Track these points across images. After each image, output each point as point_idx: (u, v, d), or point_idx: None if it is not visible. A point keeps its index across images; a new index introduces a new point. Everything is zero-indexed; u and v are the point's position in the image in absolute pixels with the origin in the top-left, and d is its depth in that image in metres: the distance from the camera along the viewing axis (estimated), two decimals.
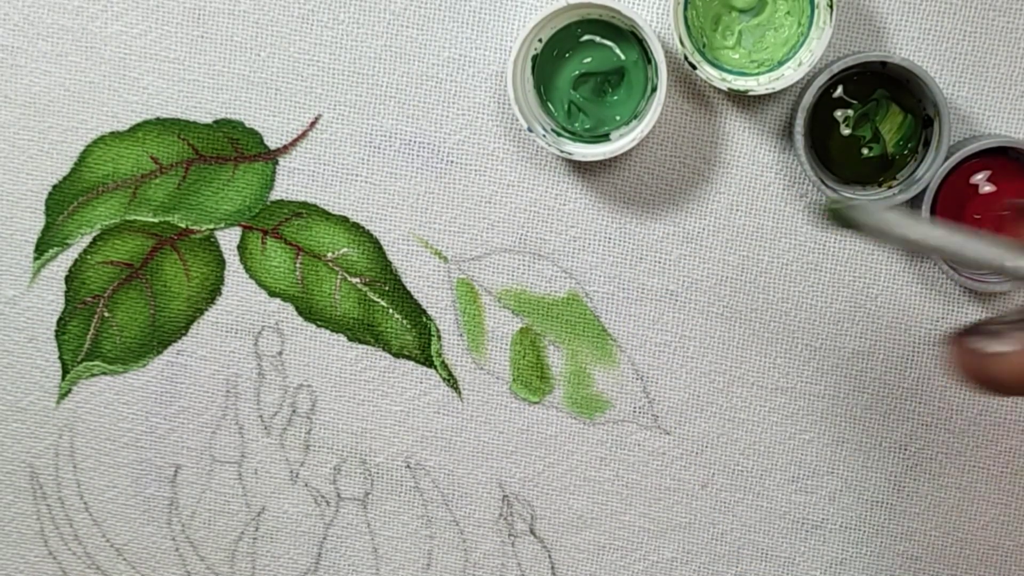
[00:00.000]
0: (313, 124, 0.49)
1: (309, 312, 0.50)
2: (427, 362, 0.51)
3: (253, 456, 0.52)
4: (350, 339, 0.50)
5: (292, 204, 0.50)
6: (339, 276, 0.50)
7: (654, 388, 0.50)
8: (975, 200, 0.47)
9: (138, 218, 0.50)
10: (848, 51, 0.47)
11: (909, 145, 0.47)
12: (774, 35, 0.47)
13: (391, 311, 0.50)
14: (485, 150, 0.49)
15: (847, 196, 0.35)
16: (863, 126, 0.47)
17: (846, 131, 0.47)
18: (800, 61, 0.46)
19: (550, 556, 0.52)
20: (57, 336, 0.51)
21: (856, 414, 0.50)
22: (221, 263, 0.50)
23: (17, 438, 0.52)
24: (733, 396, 0.50)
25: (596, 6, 0.45)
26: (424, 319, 0.50)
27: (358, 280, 0.50)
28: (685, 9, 0.46)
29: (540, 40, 0.47)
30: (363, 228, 0.50)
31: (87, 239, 0.50)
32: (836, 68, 0.45)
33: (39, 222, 0.50)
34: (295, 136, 0.49)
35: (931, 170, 0.46)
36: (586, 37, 0.47)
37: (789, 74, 0.46)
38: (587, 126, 0.48)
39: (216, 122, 0.49)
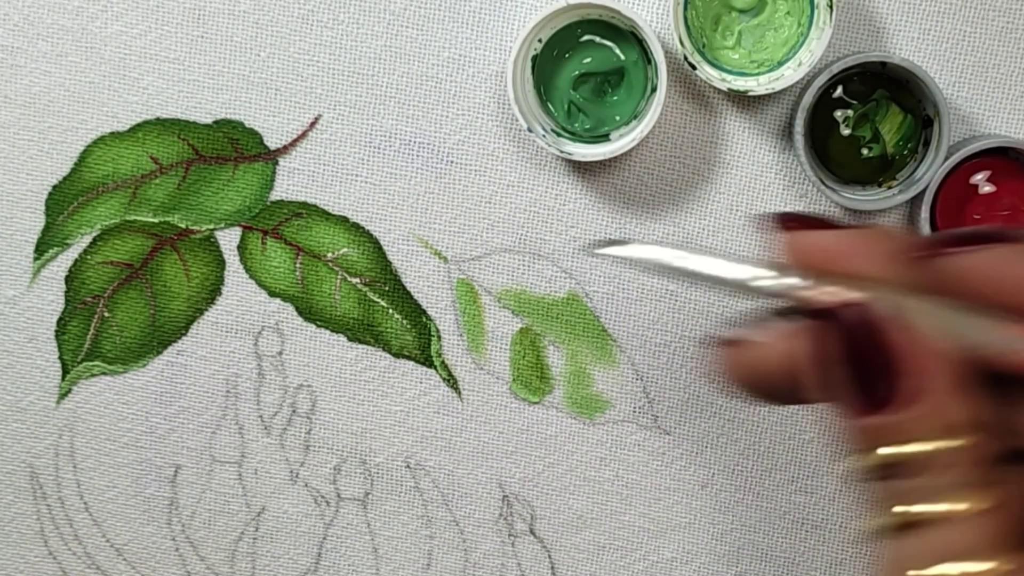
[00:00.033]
0: (313, 124, 0.49)
1: (309, 312, 0.50)
2: (427, 362, 0.51)
3: (253, 456, 0.52)
4: (350, 339, 0.50)
5: (292, 204, 0.50)
6: (339, 276, 0.50)
7: (654, 388, 0.50)
8: (975, 200, 0.47)
9: (138, 218, 0.50)
10: (848, 51, 0.47)
11: (909, 145, 0.47)
12: (774, 35, 0.47)
13: (391, 311, 0.50)
14: (485, 150, 0.49)
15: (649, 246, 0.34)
16: (863, 126, 0.47)
17: (846, 131, 0.47)
18: (800, 61, 0.46)
19: (550, 556, 0.52)
20: (57, 336, 0.51)
21: None
22: (221, 263, 0.50)
23: (17, 438, 0.52)
24: (733, 396, 0.50)
25: (596, 6, 0.45)
26: (424, 319, 0.50)
27: (358, 280, 0.50)
28: (685, 9, 0.46)
29: (540, 40, 0.47)
30: (363, 228, 0.50)
31: (87, 239, 0.50)
32: (836, 68, 0.45)
33: (39, 222, 0.50)
34: (295, 136, 0.49)
35: (931, 170, 0.46)
36: (586, 37, 0.47)
37: (789, 74, 0.46)
38: (587, 126, 0.48)
39: (216, 122, 0.49)
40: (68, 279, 0.51)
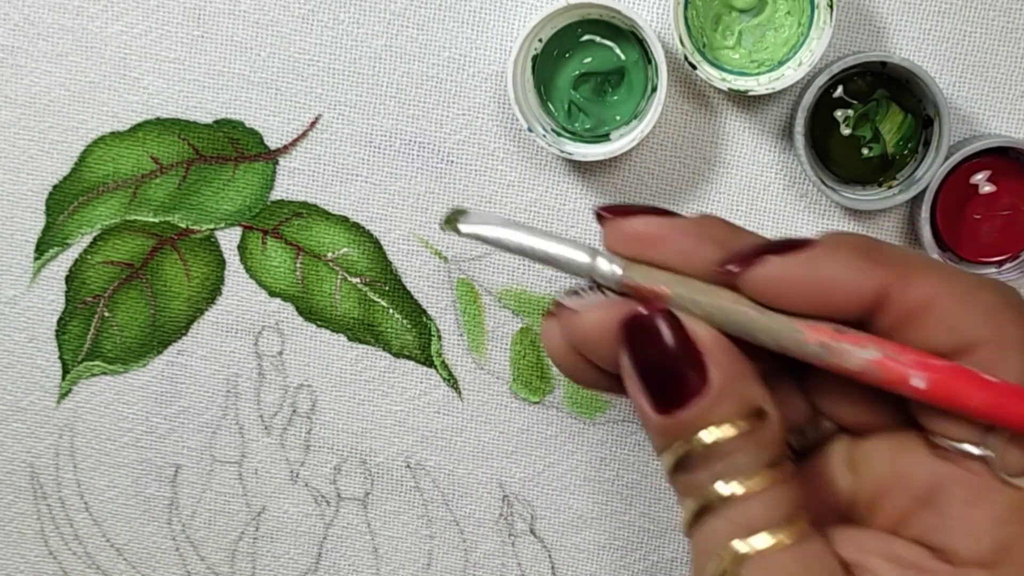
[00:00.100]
0: (313, 124, 0.49)
1: (309, 312, 0.50)
2: (427, 362, 0.51)
3: (253, 456, 0.52)
4: (350, 339, 0.51)
5: (292, 204, 0.50)
6: (339, 276, 0.50)
7: None
8: (975, 200, 0.47)
9: (138, 218, 0.50)
10: (848, 51, 0.47)
11: (909, 145, 0.47)
12: (774, 35, 0.47)
13: (391, 311, 0.50)
14: (485, 150, 0.49)
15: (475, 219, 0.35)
16: (863, 126, 0.47)
17: (846, 131, 0.47)
18: (800, 61, 0.46)
19: (550, 556, 0.52)
20: (57, 336, 0.51)
21: None
22: (221, 263, 0.50)
23: (17, 438, 0.52)
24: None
25: (596, 6, 0.45)
26: (424, 319, 0.50)
27: (358, 280, 0.50)
28: (685, 9, 0.46)
29: (540, 40, 0.47)
30: (363, 228, 0.50)
31: (87, 239, 0.50)
32: (836, 68, 0.45)
33: (39, 222, 0.50)
34: (295, 136, 0.49)
35: (931, 170, 0.46)
36: (586, 37, 0.47)
37: (789, 74, 0.46)
38: (587, 126, 0.48)
39: (216, 122, 0.49)
40: (68, 279, 0.51)
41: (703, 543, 0.32)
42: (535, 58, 0.47)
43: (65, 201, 0.50)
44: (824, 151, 0.47)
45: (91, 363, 0.51)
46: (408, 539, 0.52)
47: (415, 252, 0.50)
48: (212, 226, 0.50)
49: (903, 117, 0.47)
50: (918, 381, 0.30)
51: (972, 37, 0.47)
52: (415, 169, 0.49)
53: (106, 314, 0.51)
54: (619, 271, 0.33)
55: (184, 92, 0.49)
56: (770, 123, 0.48)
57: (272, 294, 0.50)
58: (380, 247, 0.50)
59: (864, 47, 0.48)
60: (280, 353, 0.51)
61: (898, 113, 0.47)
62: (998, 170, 0.47)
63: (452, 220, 0.34)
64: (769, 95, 0.48)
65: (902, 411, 0.33)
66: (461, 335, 0.50)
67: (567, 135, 0.47)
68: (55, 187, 0.50)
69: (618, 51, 0.47)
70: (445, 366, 0.51)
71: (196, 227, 0.50)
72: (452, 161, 0.49)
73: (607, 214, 0.34)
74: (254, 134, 0.49)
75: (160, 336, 0.51)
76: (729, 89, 0.46)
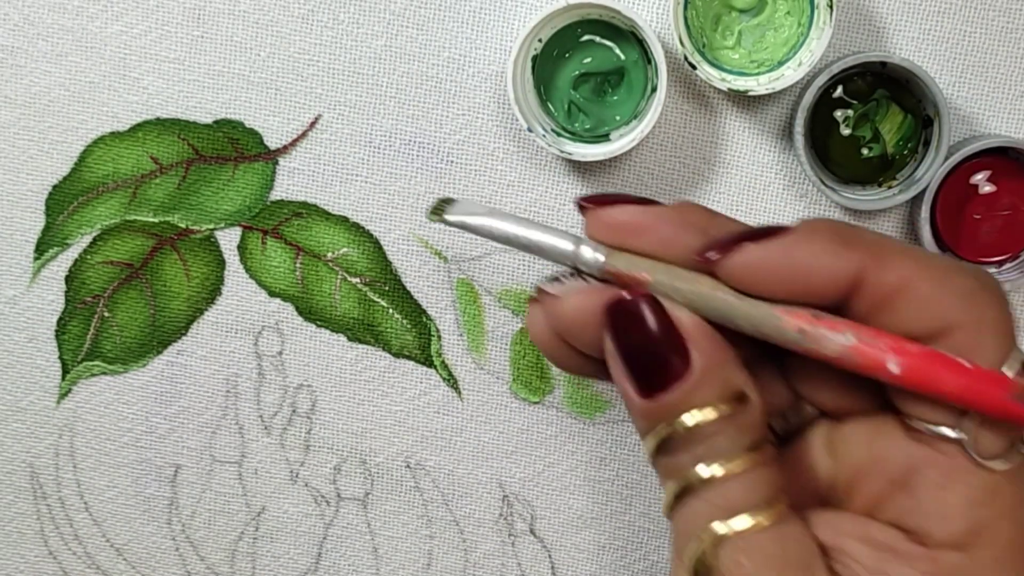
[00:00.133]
0: (313, 124, 0.49)
1: (309, 312, 0.50)
2: (427, 362, 0.51)
3: (253, 456, 0.52)
4: (350, 339, 0.51)
5: (292, 204, 0.50)
6: (339, 276, 0.50)
7: None
8: (975, 200, 0.47)
9: (138, 218, 0.50)
10: (848, 51, 0.47)
11: (909, 145, 0.47)
12: (774, 35, 0.47)
13: (391, 311, 0.50)
14: (485, 150, 0.49)
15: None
16: (863, 126, 0.47)
17: (846, 131, 0.47)
18: (800, 61, 0.46)
19: (550, 556, 0.52)
20: (57, 336, 0.51)
21: None
22: (221, 263, 0.50)
23: (17, 438, 0.52)
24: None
25: (596, 6, 0.45)
26: (424, 319, 0.50)
27: (358, 280, 0.50)
28: (685, 9, 0.46)
29: (540, 40, 0.47)
30: (363, 228, 0.50)
31: (87, 239, 0.50)
32: (836, 68, 0.45)
33: (39, 222, 0.50)
34: (295, 136, 0.49)
35: (931, 170, 0.46)
36: (586, 37, 0.47)
37: (789, 74, 0.46)
38: (587, 126, 0.48)
39: (216, 122, 0.49)
40: (68, 279, 0.51)
41: (683, 524, 0.32)
42: (535, 58, 0.47)
43: (65, 201, 0.50)
44: (824, 151, 0.47)
45: (91, 363, 0.51)
46: (408, 539, 0.52)
47: (415, 252, 0.50)
48: (212, 226, 0.50)
49: (903, 117, 0.47)
50: (893, 366, 0.31)
51: (972, 37, 0.47)
52: (415, 169, 0.49)
53: (106, 314, 0.51)
54: (601, 258, 0.33)
55: (184, 92, 0.49)
56: (770, 123, 0.48)
57: (272, 294, 0.50)
58: (380, 247, 0.50)
59: (864, 47, 0.47)
60: (280, 353, 0.51)
61: (898, 113, 0.47)
62: (998, 170, 0.47)
63: (438, 209, 0.35)
64: (769, 95, 0.48)
65: (880, 395, 0.33)
66: (461, 335, 0.50)
67: (567, 135, 0.47)
68: (55, 187, 0.50)
69: (618, 51, 0.47)
70: (445, 366, 0.51)
71: (196, 227, 0.50)
72: (452, 161, 0.49)
73: (588, 204, 0.34)
74: (254, 134, 0.49)
75: (160, 336, 0.51)
76: (729, 89, 0.46)
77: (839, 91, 0.47)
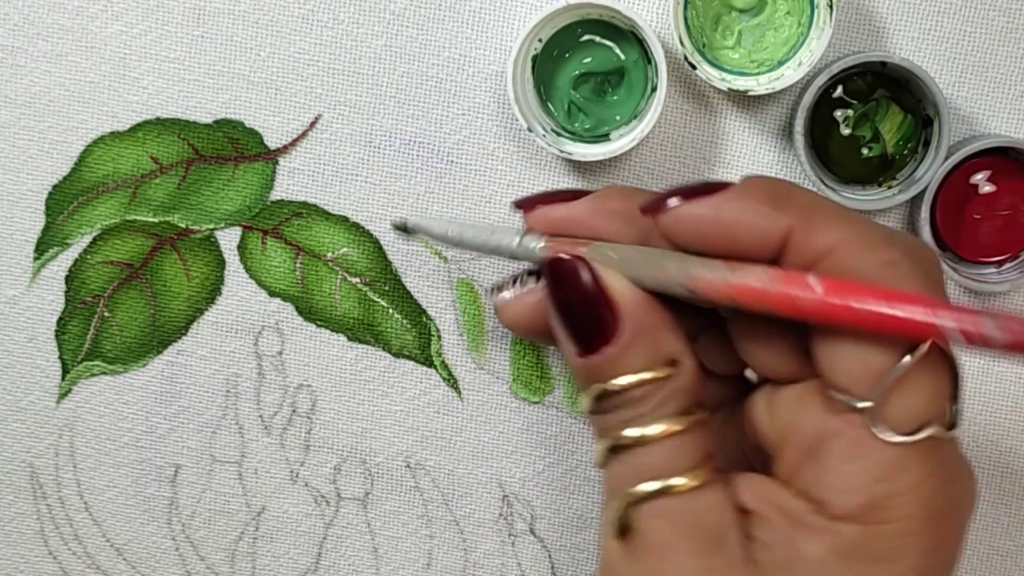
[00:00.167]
0: (313, 124, 0.49)
1: (309, 312, 0.50)
2: (427, 362, 0.51)
3: (253, 456, 0.52)
4: (350, 339, 0.51)
5: (292, 204, 0.50)
6: (339, 276, 0.50)
7: None
8: (975, 200, 0.47)
9: (138, 218, 0.50)
10: (848, 51, 0.47)
11: (909, 145, 0.47)
12: (774, 35, 0.47)
13: (391, 311, 0.50)
14: (485, 150, 0.49)
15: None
16: (863, 126, 0.47)
17: (846, 131, 0.47)
18: (800, 61, 0.46)
19: (550, 556, 0.52)
20: (57, 336, 0.51)
21: None
22: (221, 263, 0.50)
23: (17, 438, 0.52)
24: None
25: (596, 6, 0.45)
26: (424, 319, 0.50)
27: (358, 280, 0.50)
28: (685, 9, 0.46)
29: (540, 40, 0.47)
30: (363, 228, 0.50)
31: (87, 239, 0.50)
32: (836, 68, 0.45)
33: (39, 222, 0.50)
34: (295, 136, 0.49)
35: (931, 170, 0.46)
36: (586, 37, 0.47)
37: (789, 74, 0.46)
38: (587, 126, 0.48)
39: (216, 122, 0.49)
40: (68, 279, 0.51)
41: (610, 482, 0.34)
42: (535, 58, 0.47)
43: (65, 201, 0.50)
44: (824, 151, 0.47)
45: (91, 363, 0.51)
46: (408, 539, 0.52)
47: (415, 252, 0.50)
48: (212, 226, 0.50)
49: (903, 117, 0.47)
50: (814, 282, 0.31)
51: (972, 37, 0.47)
52: (415, 169, 0.49)
53: (106, 314, 0.51)
54: (541, 244, 0.37)
55: (184, 92, 0.49)
56: (770, 123, 0.48)
57: (272, 294, 0.50)
58: (380, 247, 0.50)
59: (864, 47, 0.48)
60: (280, 353, 0.51)
61: (898, 113, 0.47)
62: (998, 170, 0.47)
63: (400, 225, 0.43)
64: (769, 95, 0.48)
65: (810, 363, 0.34)
66: (461, 335, 0.50)
67: (567, 135, 0.47)
68: (55, 187, 0.50)
69: (618, 51, 0.47)
70: (445, 366, 0.51)
71: (196, 227, 0.50)
72: (452, 161, 0.49)
73: (522, 208, 0.38)
74: (254, 134, 0.49)
75: (160, 336, 0.51)
76: (729, 89, 0.46)
77: (839, 91, 0.47)
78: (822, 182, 0.47)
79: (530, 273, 0.38)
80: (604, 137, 0.48)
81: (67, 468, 0.52)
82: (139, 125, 0.49)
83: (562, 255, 0.35)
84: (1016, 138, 0.47)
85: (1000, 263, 0.48)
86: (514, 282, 0.40)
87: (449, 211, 0.49)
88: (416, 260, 0.50)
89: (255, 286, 0.50)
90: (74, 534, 0.52)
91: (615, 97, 0.48)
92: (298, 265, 0.50)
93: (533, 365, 0.50)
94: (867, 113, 0.47)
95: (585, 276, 0.34)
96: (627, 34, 0.47)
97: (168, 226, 0.50)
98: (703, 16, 0.46)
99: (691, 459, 0.33)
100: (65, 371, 0.51)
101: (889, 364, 0.31)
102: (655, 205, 0.34)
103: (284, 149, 0.49)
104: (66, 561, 0.53)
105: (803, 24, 0.46)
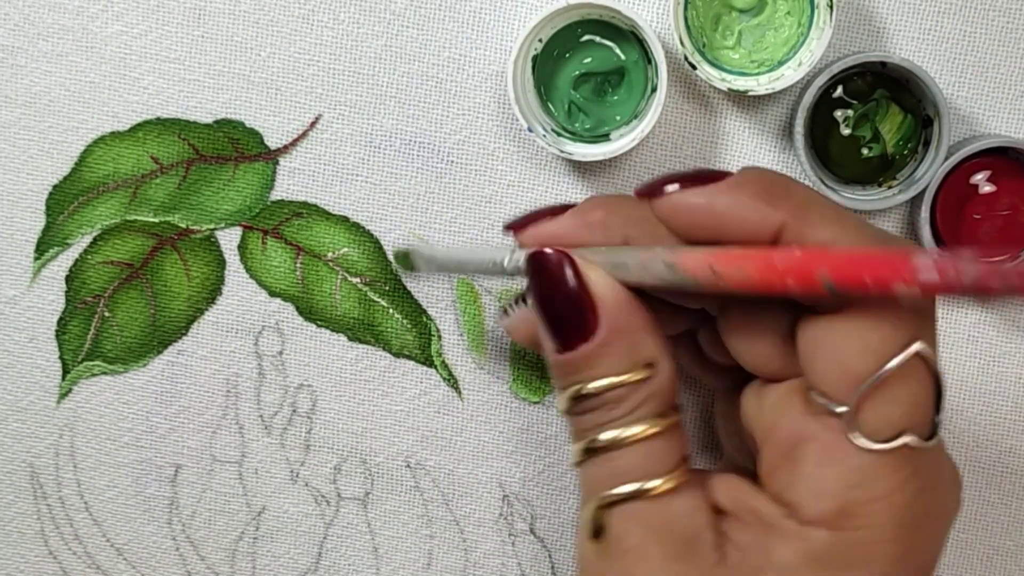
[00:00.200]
0: (313, 124, 0.49)
1: (309, 312, 0.50)
2: (427, 362, 0.51)
3: (253, 456, 0.52)
4: (350, 339, 0.51)
5: (292, 204, 0.50)
6: (339, 276, 0.50)
7: None
8: (975, 200, 0.47)
9: (138, 218, 0.50)
10: (848, 51, 0.47)
11: (909, 145, 0.47)
12: (774, 35, 0.47)
13: (391, 311, 0.50)
14: (485, 150, 0.49)
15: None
16: (863, 126, 0.47)
17: (846, 131, 0.47)
18: (800, 61, 0.46)
19: (550, 556, 0.52)
20: (57, 336, 0.51)
21: None
22: (221, 263, 0.50)
23: (17, 438, 0.52)
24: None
25: (596, 6, 0.45)
26: (424, 319, 0.50)
27: (358, 280, 0.50)
28: (685, 9, 0.46)
29: (540, 40, 0.47)
30: (363, 228, 0.50)
31: (87, 239, 0.50)
32: (836, 68, 0.45)
33: (39, 222, 0.50)
34: (295, 136, 0.49)
35: (931, 170, 0.46)
36: (586, 37, 0.47)
37: (789, 74, 0.46)
38: (587, 126, 0.48)
39: (216, 122, 0.49)
40: (68, 279, 0.51)
41: (585, 483, 0.34)
42: (535, 58, 0.47)
43: (65, 201, 0.50)
44: (824, 151, 0.47)
45: (91, 363, 0.51)
46: (408, 539, 0.52)
47: None
48: (212, 226, 0.50)
49: (903, 117, 0.47)
50: (797, 252, 0.31)
51: (972, 37, 0.47)
52: (415, 169, 0.49)
53: (106, 314, 0.51)
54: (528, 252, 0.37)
55: (184, 92, 0.49)
56: (770, 123, 0.48)
57: (272, 294, 0.50)
58: (380, 247, 0.50)
59: (864, 47, 0.48)
60: (280, 353, 0.51)
61: (898, 113, 0.47)
62: (998, 170, 0.47)
63: (402, 260, 0.46)
64: (769, 95, 0.48)
65: (796, 361, 0.33)
66: (461, 335, 0.50)
67: (567, 135, 0.47)
68: (55, 187, 0.50)
69: (618, 51, 0.47)
70: (445, 366, 0.51)
71: (196, 227, 0.50)
72: (452, 161, 0.49)
73: (512, 230, 0.39)
74: (254, 134, 0.49)
75: (160, 336, 0.51)
76: (729, 89, 0.46)
77: (839, 91, 0.47)
78: (822, 182, 0.47)
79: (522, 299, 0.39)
80: (604, 137, 0.48)
81: (67, 468, 0.52)
82: (139, 125, 0.49)
83: (546, 249, 0.35)
84: (1016, 138, 0.47)
85: (1000, 263, 0.48)
86: (516, 302, 0.40)
87: (449, 211, 0.49)
88: None
89: (255, 286, 0.50)
90: (74, 534, 0.52)
91: (615, 97, 0.48)
92: (298, 265, 0.50)
93: (533, 365, 0.50)
94: (867, 113, 0.47)
95: (567, 271, 0.34)
96: (627, 34, 0.47)
97: (168, 226, 0.50)
98: (703, 16, 0.46)
99: (666, 462, 0.32)
100: (65, 371, 0.51)
101: (870, 370, 0.31)
102: (652, 189, 0.35)
103: (284, 149, 0.49)
104: (66, 561, 0.53)
105: (803, 24, 0.46)
